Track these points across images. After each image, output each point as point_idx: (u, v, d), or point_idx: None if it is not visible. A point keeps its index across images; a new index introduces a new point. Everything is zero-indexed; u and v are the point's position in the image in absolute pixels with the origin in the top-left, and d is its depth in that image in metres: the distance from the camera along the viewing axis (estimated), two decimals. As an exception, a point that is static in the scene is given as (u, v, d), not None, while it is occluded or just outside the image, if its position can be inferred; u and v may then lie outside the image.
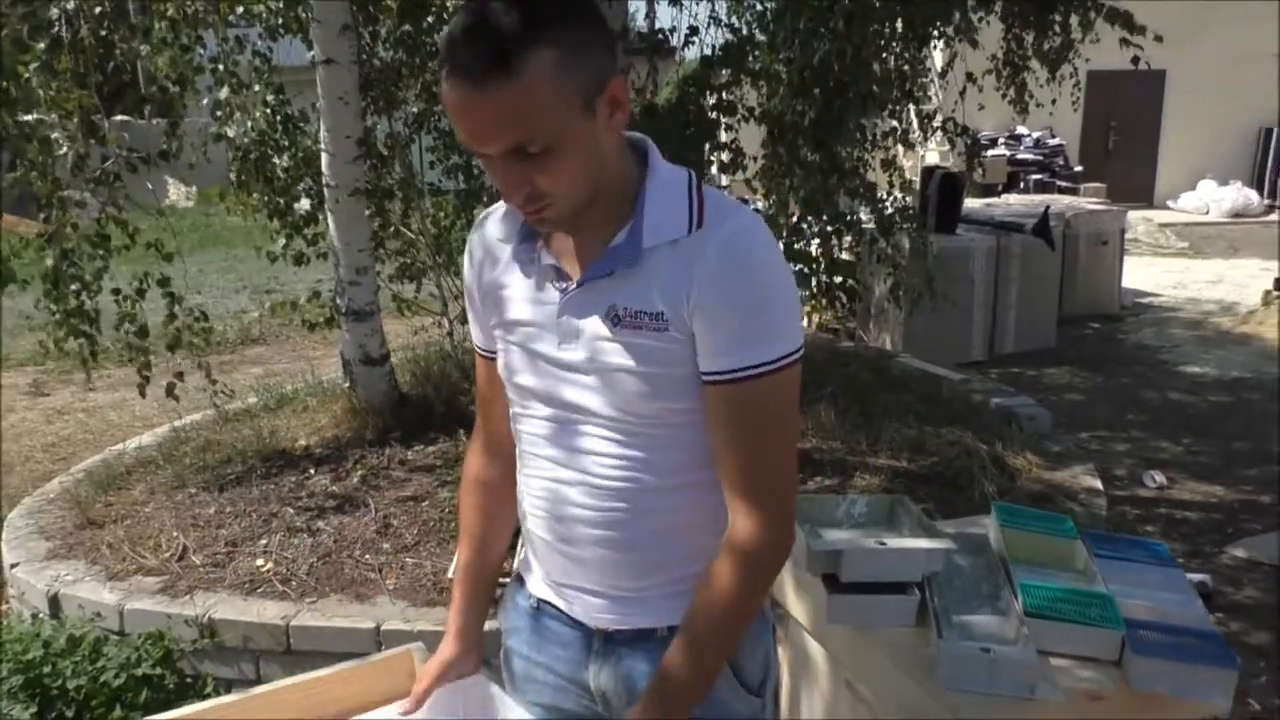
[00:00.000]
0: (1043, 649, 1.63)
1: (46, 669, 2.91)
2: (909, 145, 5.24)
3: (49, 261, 3.70)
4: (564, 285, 1.23)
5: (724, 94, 4.75)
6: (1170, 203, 14.03)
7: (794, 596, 1.94)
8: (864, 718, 1.80)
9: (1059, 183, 13.39)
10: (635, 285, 1.18)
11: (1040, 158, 13.96)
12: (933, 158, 10.71)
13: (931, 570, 1.77)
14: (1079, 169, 14.03)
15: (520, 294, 1.28)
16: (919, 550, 1.74)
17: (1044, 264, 7.18)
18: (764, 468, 1.21)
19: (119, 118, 4.15)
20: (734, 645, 1.27)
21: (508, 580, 1.52)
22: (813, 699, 1.99)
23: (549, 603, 1.38)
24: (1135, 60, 5.03)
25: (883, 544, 1.74)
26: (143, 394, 4.08)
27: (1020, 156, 13.86)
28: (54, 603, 3.22)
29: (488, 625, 2.38)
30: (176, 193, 16.07)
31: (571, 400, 1.24)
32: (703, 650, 1.22)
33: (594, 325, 1.20)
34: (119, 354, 4.25)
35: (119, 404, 6.25)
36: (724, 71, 4.72)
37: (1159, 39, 4.99)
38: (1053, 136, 14.04)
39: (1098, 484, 4.11)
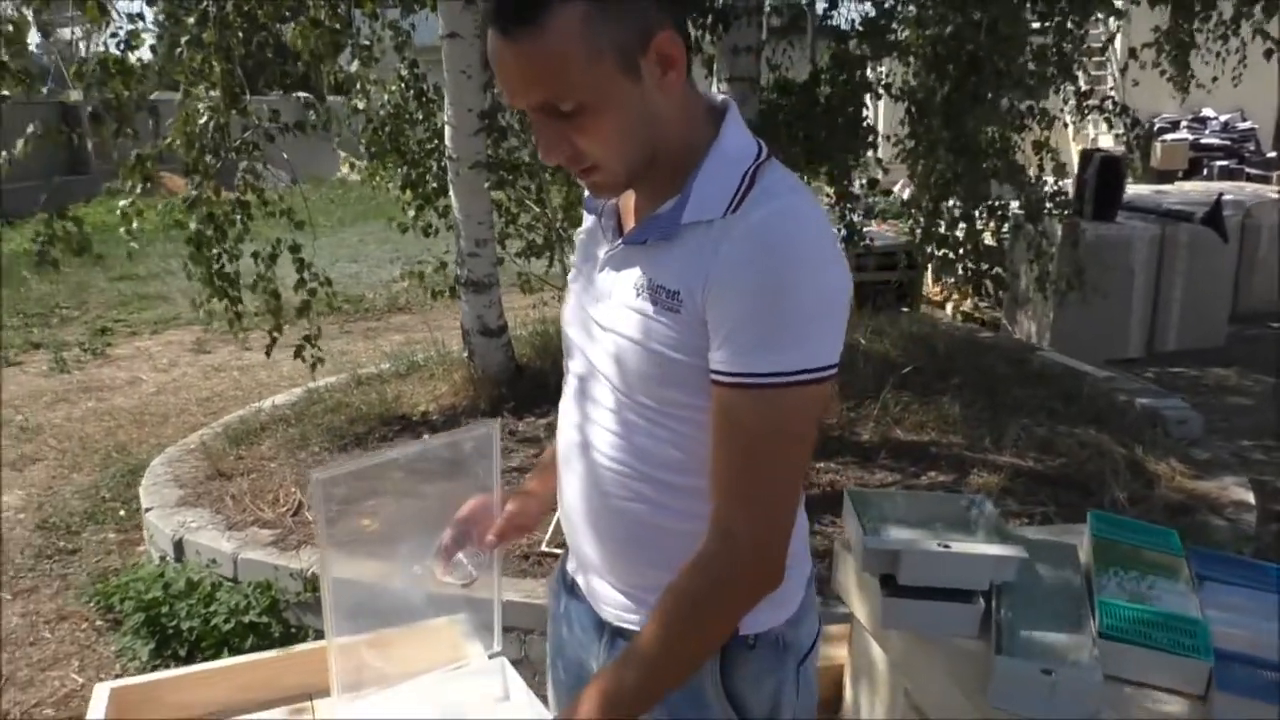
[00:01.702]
0: (1117, 674, 1.48)
1: (165, 609, 3.10)
2: (1061, 125, 4.90)
3: (192, 226, 3.92)
4: (613, 240, 1.20)
5: (862, 70, 4.56)
6: (1379, 194, 12.69)
7: (856, 595, 1.84)
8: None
9: (1248, 170, 12.29)
10: (663, 259, 1.12)
11: (1228, 142, 12.85)
12: (1106, 141, 10.05)
13: (1001, 579, 1.64)
14: (1272, 155, 12.85)
15: (585, 240, 1.28)
16: (986, 557, 1.62)
17: (1216, 256, 6.61)
18: (745, 497, 1.07)
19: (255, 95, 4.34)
20: (664, 678, 1.11)
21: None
22: (874, 706, 1.89)
23: (576, 583, 1.35)
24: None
25: (946, 547, 1.62)
26: (268, 354, 4.29)
27: (1205, 141, 12.81)
28: (178, 547, 3.43)
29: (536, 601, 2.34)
30: (346, 166, 16.83)
31: (593, 360, 1.21)
32: (627, 667, 1.10)
33: (623, 289, 1.15)
34: (258, 316, 4.47)
35: (270, 364, 6.53)
36: (862, 47, 4.53)
37: None
38: (1244, 120, 12.92)
39: (1249, 498, 3.76)
